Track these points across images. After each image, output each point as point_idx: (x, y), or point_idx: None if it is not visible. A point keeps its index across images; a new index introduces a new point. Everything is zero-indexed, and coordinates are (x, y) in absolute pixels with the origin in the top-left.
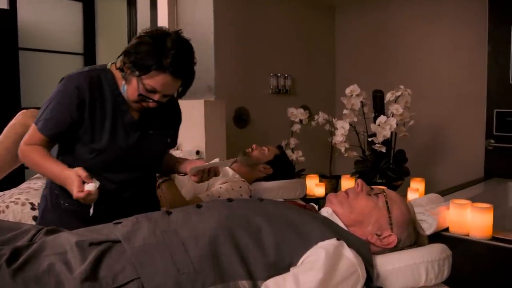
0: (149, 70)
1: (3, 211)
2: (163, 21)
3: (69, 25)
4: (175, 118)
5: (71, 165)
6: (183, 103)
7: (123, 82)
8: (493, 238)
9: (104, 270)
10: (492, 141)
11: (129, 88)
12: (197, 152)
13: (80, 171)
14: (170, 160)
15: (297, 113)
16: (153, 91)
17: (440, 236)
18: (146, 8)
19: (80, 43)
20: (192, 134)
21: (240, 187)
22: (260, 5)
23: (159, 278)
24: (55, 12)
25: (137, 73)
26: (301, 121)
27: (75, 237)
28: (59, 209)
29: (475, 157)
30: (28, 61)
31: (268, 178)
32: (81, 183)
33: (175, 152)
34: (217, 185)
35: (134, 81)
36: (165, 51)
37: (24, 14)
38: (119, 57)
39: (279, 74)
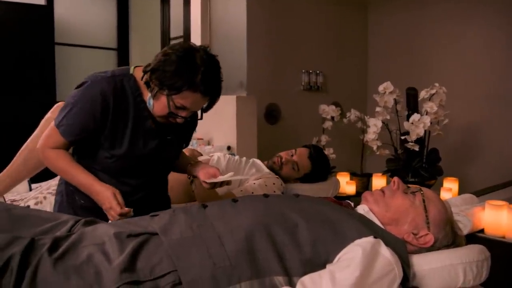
0: (181, 90)
1: (41, 202)
2: (196, 17)
3: (103, 21)
4: (192, 123)
5: (89, 168)
6: None
7: (149, 95)
8: None
9: (142, 262)
10: None
11: (157, 105)
12: (228, 148)
13: (117, 193)
14: (182, 159)
15: (328, 110)
16: (182, 108)
17: (475, 237)
18: (179, 4)
19: (114, 39)
20: (224, 130)
21: (274, 183)
22: (292, 2)
23: (196, 271)
24: (90, 8)
25: (167, 92)
26: (332, 118)
27: (113, 228)
28: (74, 205)
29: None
30: (64, 55)
31: (302, 181)
32: (116, 202)
33: (206, 147)
34: (251, 181)
35: (163, 98)
36: (195, 70)
37: (61, 10)
38: (146, 71)
39: (310, 71)
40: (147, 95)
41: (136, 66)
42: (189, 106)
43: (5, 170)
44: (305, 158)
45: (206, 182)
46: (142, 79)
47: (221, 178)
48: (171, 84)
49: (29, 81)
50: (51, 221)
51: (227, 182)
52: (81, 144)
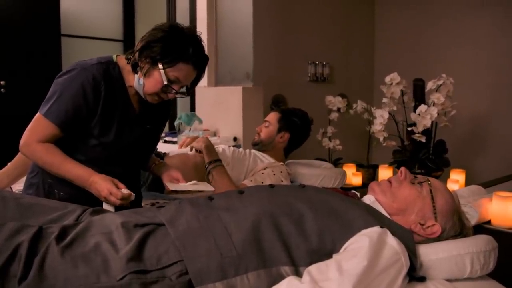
0: (176, 62)
1: None
2: (202, 8)
3: (109, 12)
4: (166, 114)
5: (74, 158)
6: (221, 90)
7: (137, 76)
8: None
9: (149, 251)
10: None
11: (149, 81)
12: (235, 139)
13: (115, 180)
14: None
15: (335, 101)
16: (176, 81)
17: (482, 228)
18: None
19: (120, 30)
20: (230, 121)
21: (281, 172)
22: None
23: (202, 261)
24: None
25: (160, 65)
26: (339, 109)
27: (120, 218)
28: (53, 198)
29: None
30: (70, 47)
31: (294, 142)
32: (115, 188)
33: (212, 139)
34: (259, 171)
35: (156, 74)
36: (186, 43)
37: (67, 1)
38: (134, 52)
39: (317, 62)
40: (133, 80)
41: (118, 55)
42: (182, 78)
43: (11, 162)
44: (272, 112)
45: (167, 186)
46: (128, 63)
47: (182, 186)
48: (165, 58)
49: (35, 72)
50: (58, 210)
51: (189, 191)
52: (70, 132)
